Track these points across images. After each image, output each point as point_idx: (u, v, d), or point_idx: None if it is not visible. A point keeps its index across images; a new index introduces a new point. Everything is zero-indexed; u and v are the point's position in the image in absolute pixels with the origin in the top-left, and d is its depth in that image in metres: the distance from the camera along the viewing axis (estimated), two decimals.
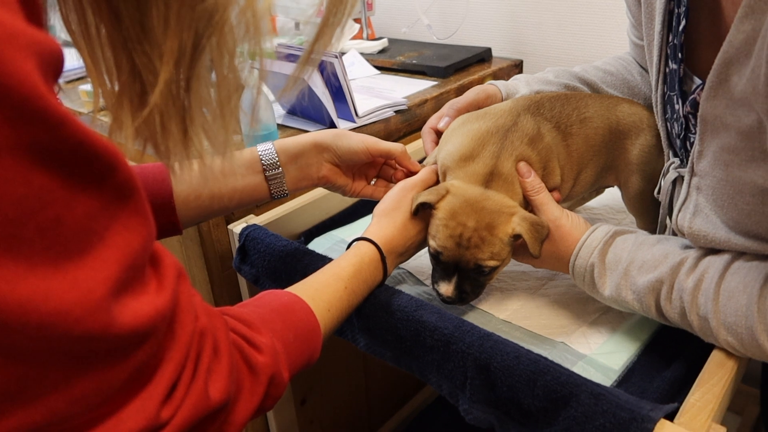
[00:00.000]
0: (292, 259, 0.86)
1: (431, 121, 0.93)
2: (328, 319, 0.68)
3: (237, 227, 0.95)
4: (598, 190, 1.00)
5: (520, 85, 0.95)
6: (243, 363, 0.51)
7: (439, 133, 0.91)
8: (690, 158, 0.68)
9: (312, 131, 0.87)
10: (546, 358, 0.64)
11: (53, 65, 0.31)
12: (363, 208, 1.10)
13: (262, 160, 0.81)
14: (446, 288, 0.77)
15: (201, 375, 0.44)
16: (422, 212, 0.79)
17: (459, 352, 0.69)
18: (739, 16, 0.55)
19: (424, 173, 0.85)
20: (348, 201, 1.09)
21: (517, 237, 0.75)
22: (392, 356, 0.77)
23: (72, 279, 0.32)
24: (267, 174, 0.82)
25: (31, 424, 0.34)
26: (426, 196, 0.77)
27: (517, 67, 1.64)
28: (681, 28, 0.70)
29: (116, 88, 0.39)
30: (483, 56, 1.63)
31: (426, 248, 0.81)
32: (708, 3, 0.67)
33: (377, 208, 0.82)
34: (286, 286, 0.69)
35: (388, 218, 0.79)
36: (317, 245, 1.00)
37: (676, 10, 0.71)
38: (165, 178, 0.74)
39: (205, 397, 0.44)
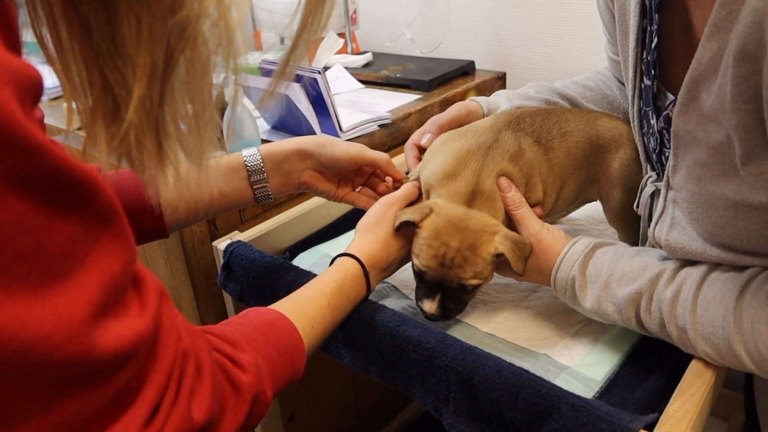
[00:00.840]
0: (277, 275, 0.86)
1: (414, 137, 0.94)
2: (312, 336, 0.68)
3: (221, 244, 0.95)
4: (580, 204, 1.02)
5: (501, 101, 0.97)
6: (227, 382, 0.51)
7: (421, 149, 0.92)
8: (665, 172, 0.69)
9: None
10: (527, 371, 0.65)
11: (32, 91, 0.32)
12: (347, 223, 1.10)
13: (247, 165, 0.82)
14: (430, 305, 0.78)
15: (184, 396, 0.44)
16: (405, 228, 0.80)
17: (442, 366, 0.69)
18: (705, 35, 0.56)
19: (406, 188, 0.86)
20: (332, 216, 1.10)
21: (499, 255, 0.76)
22: (376, 371, 0.78)
23: (52, 304, 0.33)
24: (252, 179, 0.83)
25: None
26: (410, 215, 0.78)
27: (500, 79, 1.65)
28: (653, 45, 0.72)
29: (90, 103, 0.39)
30: (466, 69, 1.64)
31: (409, 263, 0.82)
32: (680, 21, 0.69)
33: (360, 224, 0.83)
34: (271, 302, 0.69)
35: (370, 233, 0.80)
36: (302, 260, 1.01)
37: (649, 28, 0.72)
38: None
39: (187, 418, 0.44)
